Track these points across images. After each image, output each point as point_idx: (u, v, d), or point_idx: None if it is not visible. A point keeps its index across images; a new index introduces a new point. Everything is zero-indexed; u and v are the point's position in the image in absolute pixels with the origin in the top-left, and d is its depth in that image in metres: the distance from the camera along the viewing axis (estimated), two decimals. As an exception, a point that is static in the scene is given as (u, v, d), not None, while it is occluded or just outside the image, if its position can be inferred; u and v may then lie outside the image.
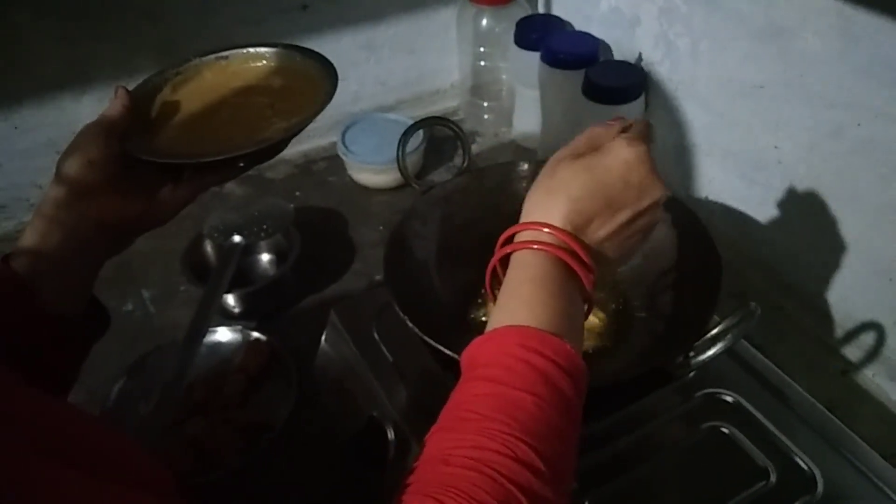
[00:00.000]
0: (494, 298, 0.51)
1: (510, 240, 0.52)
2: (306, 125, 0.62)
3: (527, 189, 0.78)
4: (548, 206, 0.50)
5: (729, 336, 0.56)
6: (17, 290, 0.55)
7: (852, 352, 0.77)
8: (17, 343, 0.54)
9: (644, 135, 0.53)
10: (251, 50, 0.71)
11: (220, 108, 0.66)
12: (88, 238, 0.57)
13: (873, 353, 0.75)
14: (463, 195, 0.76)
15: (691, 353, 0.59)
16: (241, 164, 0.65)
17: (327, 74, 0.66)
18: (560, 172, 0.51)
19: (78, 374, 0.61)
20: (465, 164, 0.77)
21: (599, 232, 0.50)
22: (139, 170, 0.60)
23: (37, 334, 0.56)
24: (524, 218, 0.52)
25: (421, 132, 1.05)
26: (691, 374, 0.64)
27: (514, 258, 0.50)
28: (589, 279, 0.49)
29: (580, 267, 0.49)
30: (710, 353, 0.57)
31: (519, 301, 0.48)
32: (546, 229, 0.49)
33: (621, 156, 0.50)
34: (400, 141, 0.74)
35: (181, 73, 0.69)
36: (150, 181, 0.61)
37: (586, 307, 0.52)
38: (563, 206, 0.50)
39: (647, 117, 0.94)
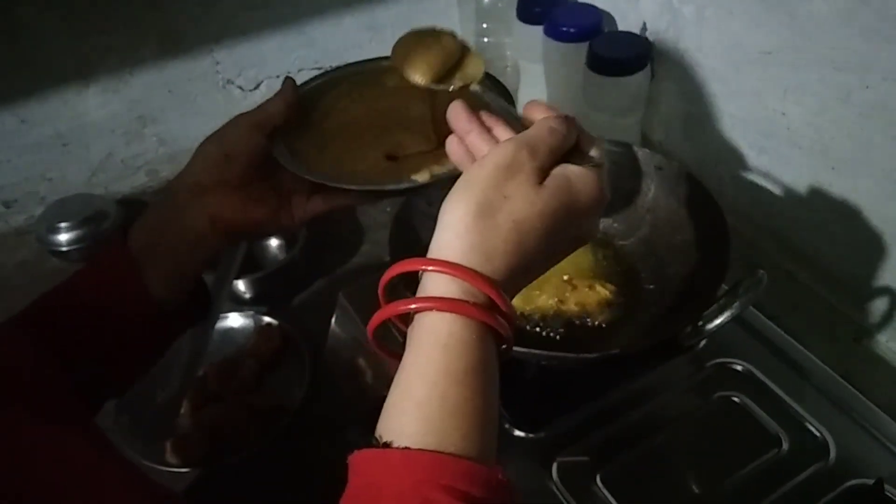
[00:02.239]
0: (389, 354, 0.43)
1: (410, 278, 0.41)
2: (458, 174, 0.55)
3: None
4: (491, 248, 0.40)
5: (737, 304, 0.56)
6: (125, 271, 0.54)
7: (865, 318, 0.76)
8: (116, 317, 0.54)
9: (603, 163, 0.46)
10: None
11: (387, 125, 0.60)
12: (202, 233, 0.55)
13: (887, 319, 0.74)
14: (468, 173, 0.75)
15: (700, 323, 0.58)
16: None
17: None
18: (516, 195, 0.41)
19: (163, 355, 0.61)
20: (469, 142, 0.76)
21: (536, 270, 0.44)
22: (278, 172, 0.56)
23: (133, 318, 0.55)
24: (443, 242, 0.41)
25: (426, 112, 1.05)
26: (702, 343, 0.65)
27: (430, 319, 0.39)
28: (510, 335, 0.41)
29: (508, 330, 0.40)
30: (719, 321, 0.57)
31: (441, 408, 0.37)
32: (486, 290, 0.39)
33: (593, 193, 0.43)
34: (403, 121, 0.74)
35: (362, 73, 0.63)
36: (286, 186, 0.57)
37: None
38: (512, 257, 0.40)
39: (653, 87, 0.93)
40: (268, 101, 0.57)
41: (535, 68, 1.04)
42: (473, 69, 0.55)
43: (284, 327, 0.81)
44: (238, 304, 0.88)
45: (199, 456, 0.71)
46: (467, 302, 0.39)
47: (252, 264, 0.90)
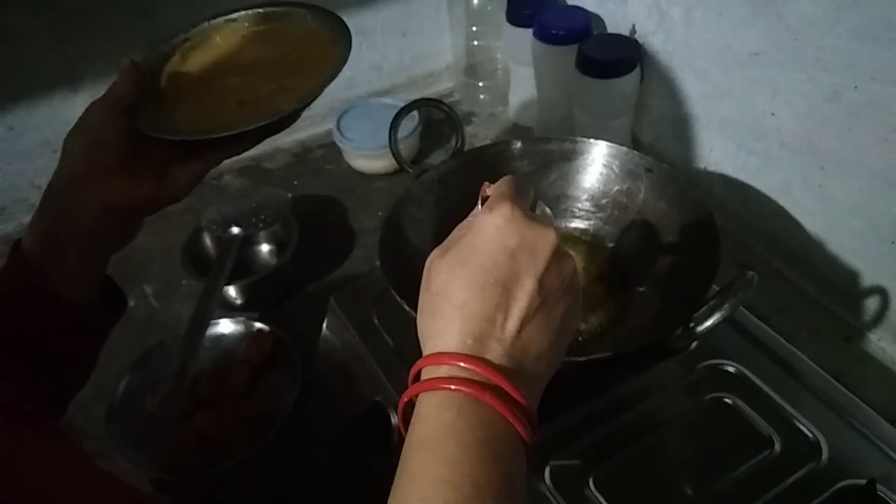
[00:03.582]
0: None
1: (418, 376, 0.42)
2: (319, 94, 0.59)
3: (520, 168, 0.78)
4: (438, 330, 0.41)
5: (727, 305, 0.56)
6: (28, 277, 0.54)
7: (856, 317, 0.77)
8: (33, 331, 0.54)
9: (505, 192, 0.43)
10: (260, 10, 0.68)
11: (230, 77, 0.63)
12: (97, 222, 0.55)
13: (878, 318, 0.74)
14: (457, 176, 0.75)
15: (691, 324, 0.58)
16: (256, 137, 0.61)
17: (340, 36, 0.63)
18: (434, 280, 0.42)
19: (96, 360, 0.61)
20: (458, 146, 0.76)
21: (508, 325, 0.40)
22: (148, 147, 0.57)
23: (51, 322, 0.55)
24: (423, 348, 0.43)
25: (416, 116, 1.05)
26: (693, 345, 0.64)
27: (417, 403, 0.41)
28: (515, 417, 0.39)
29: (498, 401, 0.38)
30: (710, 322, 0.57)
31: (407, 479, 0.38)
32: (444, 364, 0.39)
33: (488, 226, 0.41)
34: (391, 125, 0.74)
35: (190, 38, 0.66)
36: (160, 158, 0.58)
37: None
38: (452, 323, 0.40)
39: (643, 89, 0.93)
40: (114, 83, 0.58)
41: (525, 70, 1.04)
42: None
43: (276, 333, 0.81)
44: (229, 309, 0.88)
45: (191, 463, 0.70)
46: (441, 379, 0.40)
47: (243, 270, 0.90)
